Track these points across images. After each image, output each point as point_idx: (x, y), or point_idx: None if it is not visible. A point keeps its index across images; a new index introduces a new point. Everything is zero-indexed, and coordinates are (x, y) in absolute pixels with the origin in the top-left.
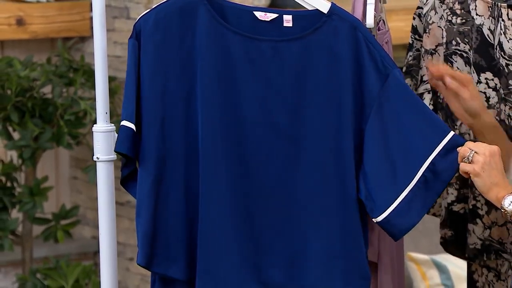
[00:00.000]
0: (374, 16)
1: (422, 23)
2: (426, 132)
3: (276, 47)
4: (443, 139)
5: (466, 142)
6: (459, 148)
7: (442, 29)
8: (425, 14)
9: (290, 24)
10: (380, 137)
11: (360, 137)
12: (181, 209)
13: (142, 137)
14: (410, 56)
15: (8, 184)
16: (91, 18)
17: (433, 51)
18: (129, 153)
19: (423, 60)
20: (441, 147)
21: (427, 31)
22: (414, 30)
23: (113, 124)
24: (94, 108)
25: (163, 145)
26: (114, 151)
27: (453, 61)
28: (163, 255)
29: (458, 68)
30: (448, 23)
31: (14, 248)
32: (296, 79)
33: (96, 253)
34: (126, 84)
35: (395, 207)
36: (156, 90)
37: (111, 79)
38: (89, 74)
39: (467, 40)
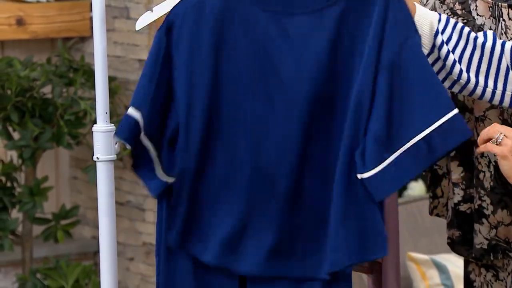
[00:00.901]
0: None
1: None
2: (430, 104)
3: (309, 17)
4: (444, 115)
5: (494, 124)
6: (488, 128)
7: None
8: None
9: None
10: (387, 95)
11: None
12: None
13: (180, 128)
14: None
15: (8, 184)
16: (91, 18)
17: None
18: (129, 141)
19: None
20: (440, 123)
21: None
22: None
23: (113, 124)
24: (94, 108)
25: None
26: (115, 134)
27: None
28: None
29: None
30: None
31: (14, 248)
32: (314, 53)
33: (96, 253)
34: (143, 73)
35: (381, 169)
36: (188, 84)
37: (111, 79)
38: (89, 74)
39: None
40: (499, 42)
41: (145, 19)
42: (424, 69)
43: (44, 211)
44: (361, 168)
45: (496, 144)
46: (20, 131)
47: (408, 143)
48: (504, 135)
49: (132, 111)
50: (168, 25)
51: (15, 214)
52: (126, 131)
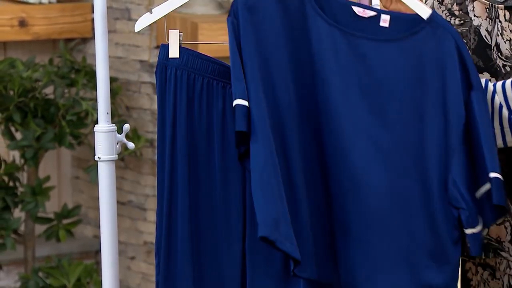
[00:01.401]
0: None
1: None
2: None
3: (368, 45)
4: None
5: None
6: None
7: None
8: None
9: (386, 25)
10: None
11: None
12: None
13: (251, 112)
14: None
15: (11, 184)
16: (92, 20)
17: None
18: (248, 130)
19: None
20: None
21: None
22: None
23: (114, 125)
24: (95, 109)
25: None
26: (235, 131)
27: None
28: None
29: None
30: None
31: (17, 247)
32: (383, 80)
33: (98, 252)
34: (232, 64)
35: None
36: (253, 68)
37: (112, 80)
38: (91, 75)
39: (465, 41)
40: (491, 84)
41: (144, 21)
42: (487, 123)
43: (46, 210)
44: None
45: None
46: (23, 131)
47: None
48: None
49: (241, 101)
50: (234, 12)
51: (18, 213)
52: (244, 120)
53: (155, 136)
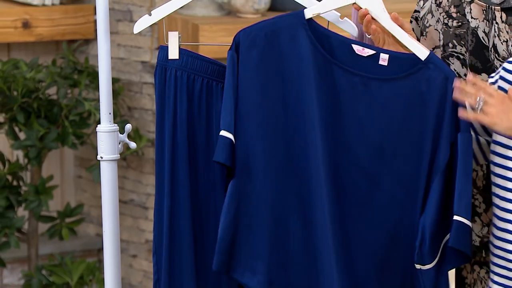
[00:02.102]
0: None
1: (419, 26)
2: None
3: (367, 84)
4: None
5: (465, 86)
6: (467, 99)
7: (439, 32)
8: (422, 17)
9: (385, 63)
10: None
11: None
12: (265, 223)
13: (236, 144)
14: None
15: (14, 183)
16: (95, 21)
17: None
18: (227, 162)
19: None
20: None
21: (424, 34)
22: None
23: (116, 125)
24: (98, 109)
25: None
26: (213, 160)
27: (450, 63)
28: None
29: (455, 70)
30: (444, 26)
31: (20, 245)
32: (382, 119)
33: (100, 250)
34: (225, 95)
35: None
36: (251, 104)
37: (114, 81)
38: (93, 76)
39: (463, 43)
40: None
41: (143, 23)
42: (467, 167)
43: (49, 209)
44: (419, 260)
45: (482, 113)
46: (26, 131)
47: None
48: (482, 101)
49: (225, 133)
50: (236, 44)
51: (21, 212)
52: (224, 153)
53: None
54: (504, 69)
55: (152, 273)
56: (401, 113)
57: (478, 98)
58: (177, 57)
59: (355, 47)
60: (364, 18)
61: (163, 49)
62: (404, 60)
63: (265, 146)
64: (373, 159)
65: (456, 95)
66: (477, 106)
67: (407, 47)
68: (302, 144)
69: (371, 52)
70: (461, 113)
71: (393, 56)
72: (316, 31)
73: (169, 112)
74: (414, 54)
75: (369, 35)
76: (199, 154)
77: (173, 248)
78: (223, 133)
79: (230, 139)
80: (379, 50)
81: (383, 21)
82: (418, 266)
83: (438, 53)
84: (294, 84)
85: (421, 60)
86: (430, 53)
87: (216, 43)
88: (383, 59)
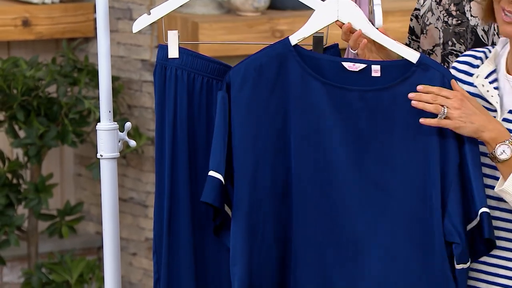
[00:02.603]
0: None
1: (419, 24)
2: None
3: (364, 97)
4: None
5: (431, 95)
6: (429, 105)
7: (439, 30)
8: (422, 15)
9: (378, 74)
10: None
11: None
12: (273, 254)
13: (234, 187)
14: None
15: (14, 181)
16: (95, 19)
17: (431, 52)
18: (215, 203)
19: None
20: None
21: (424, 32)
22: (411, 31)
23: (116, 123)
24: (98, 107)
25: (255, 194)
26: (200, 201)
27: (450, 61)
28: None
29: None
30: (444, 24)
31: (20, 244)
32: (384, 128)
33: (100, 248)
34: (215, 135)
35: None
36: (248, 140)
37: (114, 79)
38: (93, 74)
39: (462, 41)
40: None
41: (142, 22)
42: (478, 160)
43: (49, 207)
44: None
45: (444, 118)
46: (26, 129)
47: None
48: (446, 108)
49: (213, 173)
50: (227, 84)
51: (21, 210)
52: (213, 192)
53: None
54: (455, 68)
55: (152, 272)
56: (403, 119)
57: (442, 108)
58: (177, 56)
59: (346, 64)
60: (348, 33)
61: (163, 48)
62: (396, 67)
63: (266, 179)
64: (383, 171)
65: (414, 104)
66: (441, 115)
67: (396, 53)
68: (312, 169)
69: (362, 66)
70: (423, 120)
71: (384, 65)
72: (304, 56)
73: (169, 111)
74: (405, 59)
75: (354, 50)
76: (199, 153)
77: (173, 247)
78: (212, 173)
79: (219, 180)
80: (370, 62)
81: (368, 32)
82: (460, 266)
83: (438, 51)
84: (290, 112)
85: (413, 63)
86: (420, 55)
87: (216, 41)
88: (375, 70)
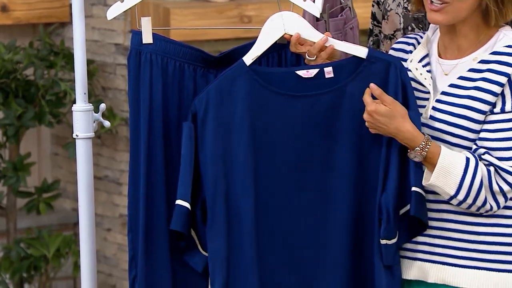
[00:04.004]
0: (341, 4)
1: (381, 10)
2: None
3: (323, 99)
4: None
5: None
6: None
7: (400, 16)
8: (383, 1)
9: (331, 75)
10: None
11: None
12: (252, 275)
13: (208, 209)
14: (371, 40)
15: None
16: (70, 5)
17: (392, 36)
18: (183, 230)
19: (383, 44)
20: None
21: (385, 18)
22: (373, 16)
23: (91, 104)
24: (73, 89)
25: (229, 212)
26: (169, 228)
27: None
28: None
29: None
30: (404, 10)
31: None
32: (351, 121)
33: (76, 224)
34: (182, 165)
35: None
36: (218, 163)
37: (89, 62)
38: (69, 58)
39: (421, 26)
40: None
41: (115, 9)
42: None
43: (27, 185)
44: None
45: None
46: (4, 110)
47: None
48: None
49: (181, 202)
50: (193, 113)
51: (0, 187)
52: (180, 220)
53: None
54: (393, 49)
55: (128, 248)
56: (360, 110)
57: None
58: (151, 41)
59: (300, 72)
60: (297, 44)
61: (137, 34)
62: (347, 65)
63: (237, 197)
64: (353, 164)
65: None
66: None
67: (346, 52)
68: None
69: (315, 70)
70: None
71: (335, 66)
72: (260, 73)
73: (145, 93)
74: (354, 56)
75: (312, 57)
76: (172, 133)
77: (150, 227)
78: (179, 202)
79: (187, 208)
80: (321, 66)
81: (316, 38)
82: (384, 242)
83: (399, 35)
84: (252, 128)
85: (363, 58)
86: (369, 49)
87: (187, 27)
88: (328, 72)
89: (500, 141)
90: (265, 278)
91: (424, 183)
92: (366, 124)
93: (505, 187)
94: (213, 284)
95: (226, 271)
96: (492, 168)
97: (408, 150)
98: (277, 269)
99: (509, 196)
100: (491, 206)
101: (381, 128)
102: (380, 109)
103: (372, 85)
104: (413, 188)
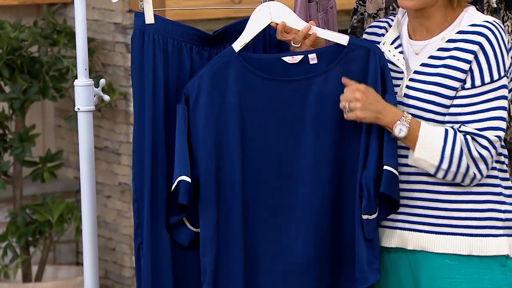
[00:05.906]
0: None
1: None
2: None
3: (308, 85)
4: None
5: (341, 96)
6: (340, 103)
7: None
8: None
9: (315, 61)
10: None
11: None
12: (239, 247)
13: (200, 186)
14: (355, 19)
15: (0, 131)
16: None
17: (375, 15)
18: (190, 204)
19: (366, 23)
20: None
21: None
22: None
23: (91, 79)
24: (75, 65)
25: (219, 190)
26: (178, 202)
27: None
28: None
29: None
30: None
31: (6, 187)
32: (332, 105)
33: (78, 191)
34: (178, 144)
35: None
36: (209, 143)
37: (89, 40)
38: (71, 36)
39: None
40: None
41: None
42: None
43: (32, 155)
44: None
45: (350, 111)
46: (11, 85)
47: None
48: (349, 102)
49: (185, 178)
50: (186, 95)
51: (7, 157)
52: (187, 195)
53: (128, 90)
54: (367, 33)
55: (133, 217)
56: (336, 99)
57: (344, 103)
58: (153, 21)
59: (286, 58)
60: (283, 32)
61: (139, 15)
62: (329, 52)
63: (227, 176)
64: (334, 145)
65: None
66: (345, 110)
67: (329, 40)
68: (261, 157)
69: (300, 57)
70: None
71: (319, 52)
72: (248, 59)
73: (148, 71)
74: (336, 43)
75: (297, 44)
76: (171, 106)
77: (154, 197)
78: (183, 177)
79: (189, 182)
80: (306, 52)
81: (300, 27)
82: (365, 217)
83: (382, 14)
84: (241, 111)
85: (345, 45)
86: (349, 37)
87: (184, 7)
88: (312, 58)
89: (474, 113)
90: (250, 250)
91: (409, 162)
92: (353, 112)
93: (484, 152)
94: (204, 255)
95: (216, 242)
96: (469, 137)
97: (393, 126)
98: (263, 241)
99: (489, 162)
100: (474, 174)
101: (371, 106)
102: (360, 87)
103: (343, 78)
104: (385, 167)
